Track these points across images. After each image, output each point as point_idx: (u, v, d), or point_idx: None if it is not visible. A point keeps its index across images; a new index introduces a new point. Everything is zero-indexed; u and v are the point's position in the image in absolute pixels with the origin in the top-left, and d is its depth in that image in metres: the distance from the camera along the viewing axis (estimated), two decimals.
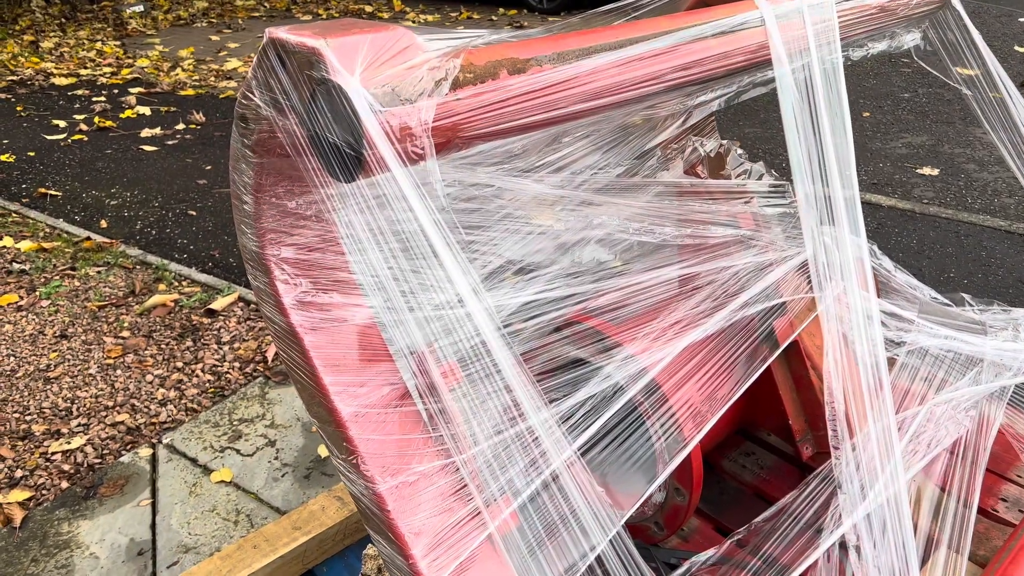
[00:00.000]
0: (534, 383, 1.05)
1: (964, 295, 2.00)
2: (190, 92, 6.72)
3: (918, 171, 4.72)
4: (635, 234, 1.46)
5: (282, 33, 0.85)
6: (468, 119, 0.91)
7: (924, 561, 1.29)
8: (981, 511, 1.80)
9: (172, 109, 6.26)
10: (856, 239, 1.26)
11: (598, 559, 1.19)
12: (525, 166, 1.41)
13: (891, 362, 1.76)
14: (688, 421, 1.49)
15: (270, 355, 2.93)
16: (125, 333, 3.04)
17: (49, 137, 5.63)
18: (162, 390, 2.69)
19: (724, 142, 1.79)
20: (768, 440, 1.94)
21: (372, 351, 1.18)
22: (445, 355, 1.18)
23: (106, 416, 2.55)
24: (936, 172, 4.68)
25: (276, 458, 2.36)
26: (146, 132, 5.70)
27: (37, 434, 2.49)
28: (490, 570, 1.11)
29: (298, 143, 0.93)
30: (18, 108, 6.31)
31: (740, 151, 1.81)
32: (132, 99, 6.41)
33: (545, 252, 1.39)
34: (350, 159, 0.89)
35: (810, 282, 1.81)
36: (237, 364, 2.86)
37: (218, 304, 3.24)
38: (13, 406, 2.64)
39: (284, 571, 1.62)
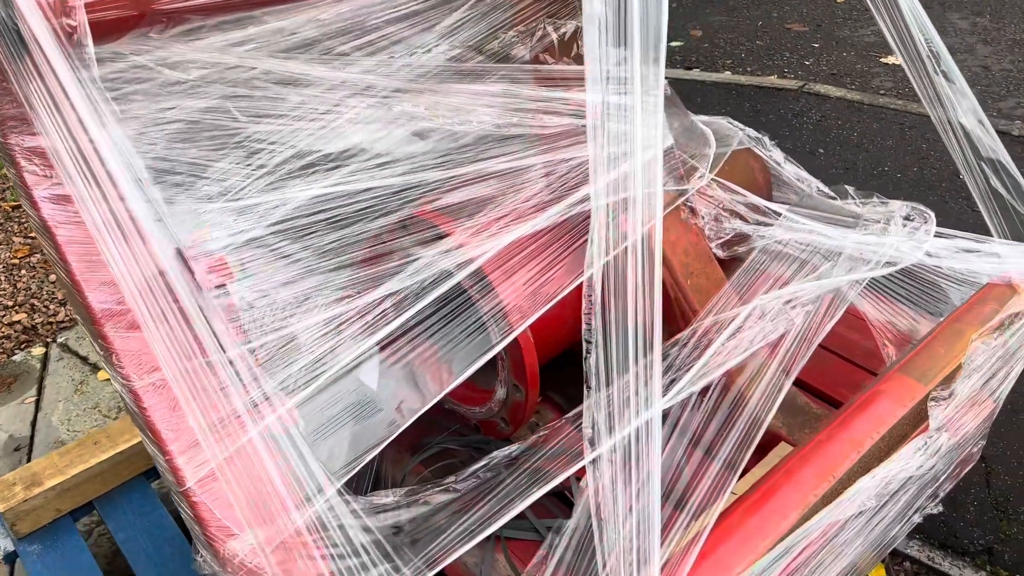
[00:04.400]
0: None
1: (847, 187, 1.93)
2: None
3: (882, 60, 4.53)
4: (455, 124, 1.39)
5: None
6: None
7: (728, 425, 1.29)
8: (836, 402, 1.79)
9: None
10: (654, 123, 1.19)
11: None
12: (326, 50, 1.32)
13: (747, 254, 1.71)
14: (514, 312, 1.45)
15: None
16: (35, 234, 3.00)
17: None
18: (63, 290, 2.67)
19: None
20: None
21: None
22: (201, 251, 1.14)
23: (3, 316, 2.54)
24: (900, 61, 4.49)
25: None
26: None
27: None
28: (252, 470, 1.08)
29: None
30: None
31: None
32: None
33: (349, 141, 1.32)
34: (13, 34, 0.82)
35: (668, 174, 1.75)
36: None
37: None
38: None
39: (126, 467, 1.62)
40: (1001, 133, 3.49)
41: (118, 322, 1.09)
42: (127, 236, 0.91)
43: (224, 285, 1.16)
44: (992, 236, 1.72)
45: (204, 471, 1.09)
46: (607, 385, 0.98)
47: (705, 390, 1.35)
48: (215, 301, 1.13)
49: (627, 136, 1.16)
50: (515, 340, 1.49)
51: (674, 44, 4.96)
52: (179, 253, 1.14)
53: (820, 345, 1.98)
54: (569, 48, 1.64)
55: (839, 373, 1.90)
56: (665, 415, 1.31)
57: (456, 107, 1.38)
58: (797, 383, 1.89)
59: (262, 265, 1.25)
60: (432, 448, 1.68)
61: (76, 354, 2.35)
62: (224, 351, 1.05)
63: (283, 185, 1.23)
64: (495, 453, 1.31)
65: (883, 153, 3.37)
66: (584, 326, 1.02)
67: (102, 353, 1.11)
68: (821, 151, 3.47)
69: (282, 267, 1.25)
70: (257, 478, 1.09)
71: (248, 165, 1.22)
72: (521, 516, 1.63)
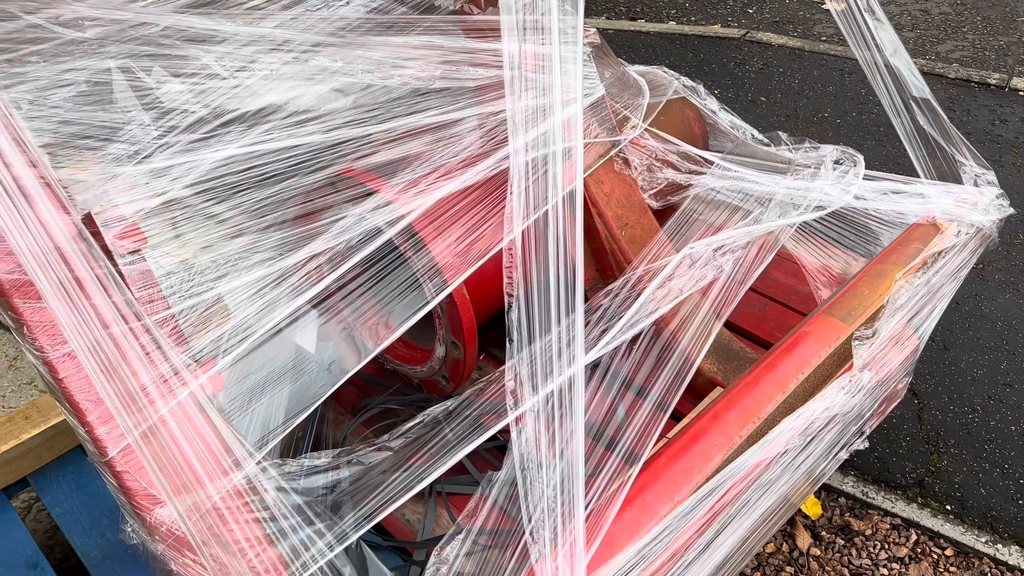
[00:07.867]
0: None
1: (780, 133, 1.94)
2: None
3: (823, 6, 4.54)
4: (376, 79, 1.36)
5: None
6: None
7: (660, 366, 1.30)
8: (767, 344, 1.82)
9: None
10: (574, 73, 1.17)
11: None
12: (238, 3, 1.28)
13: (681, 203, 1.72)
14: (448, 269, 1.44)
15: None
16: None
17: None
18: None
19: None
20: None
21: None
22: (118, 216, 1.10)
23: None
24: (842, 6, 4.50)
25: None
26: None
27: None
28: (167, 442, 1.06)
29: None
30: None
31: None
32: None
33: (265, 99, 1.28)
34: None
35: (600, 125, 1.74)
36: None
37: None
38: None
39: (59, 441, 1.59)
40: (938, 76, 3.55)
41: (27, 293, 1.06)
42: (16, 205, 0.87)
43: (138, 251, 1.13)
44: (920, 176, 1.74)
45: (127, 440, 1.07)
46: (530, 341, 0.98)
47: (638, 335, 1.36)
48: (125, 268, 1.11)
49: (546, 87, 1.14)
50: (451, 297, 1.48)
51: None
52: (87, 220, 1.11)
53: (758, 292, 2.02)
54: None
55: (776, 318, 1.93)
56: (598, 360, 1.32)
57: (378, 61, 1.35)
58: (736, 330, 1.92)
59: (184, 228, 1.22)
60: (373, 409, 1.67)
61: (9, 330, 2.28)
62: (126, 321, 1.02)
63: (198, 146, 1.20)
64: (429, 410, 1.30)
65: (823, 99, 3.39)
66: (506, 279, 1.01)
67: (14, 325, 1.09)
68: (763, 99, 3.48)
69: (207, 229, 1.22)
70: (174, 449, 1.06)
71: (160, 127, 1.18)
72: (465, 472, 1.64)
